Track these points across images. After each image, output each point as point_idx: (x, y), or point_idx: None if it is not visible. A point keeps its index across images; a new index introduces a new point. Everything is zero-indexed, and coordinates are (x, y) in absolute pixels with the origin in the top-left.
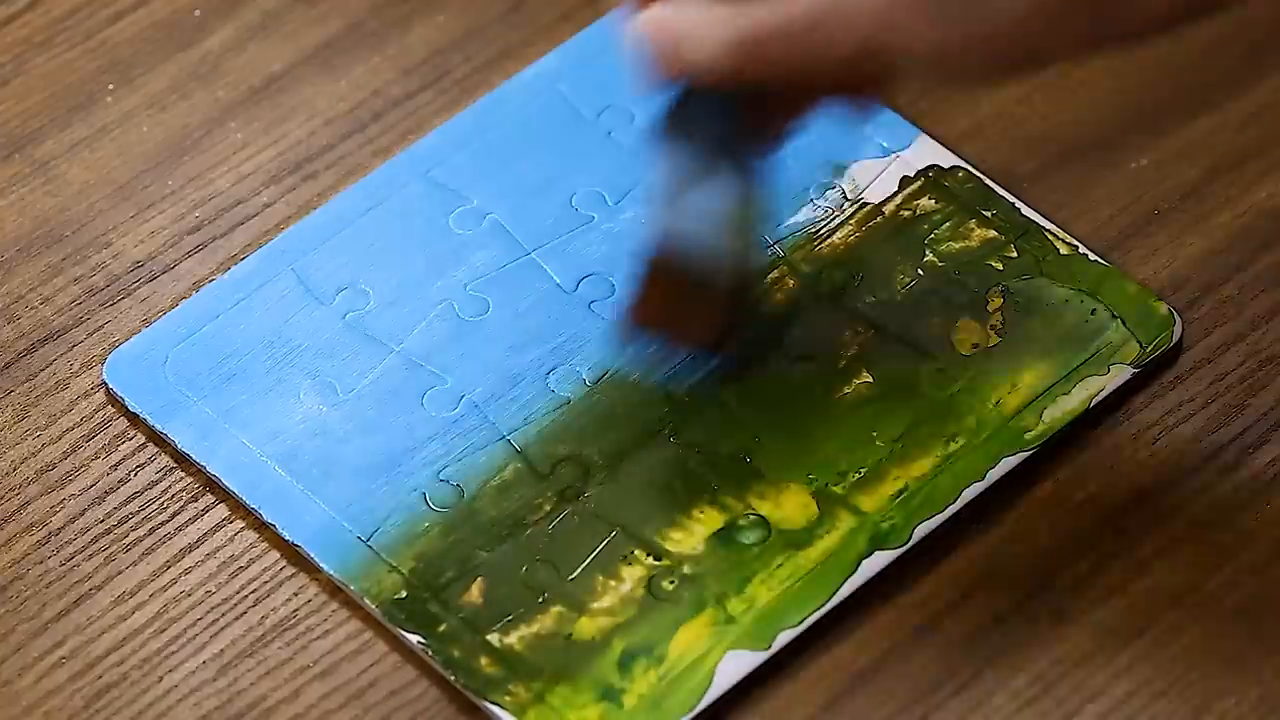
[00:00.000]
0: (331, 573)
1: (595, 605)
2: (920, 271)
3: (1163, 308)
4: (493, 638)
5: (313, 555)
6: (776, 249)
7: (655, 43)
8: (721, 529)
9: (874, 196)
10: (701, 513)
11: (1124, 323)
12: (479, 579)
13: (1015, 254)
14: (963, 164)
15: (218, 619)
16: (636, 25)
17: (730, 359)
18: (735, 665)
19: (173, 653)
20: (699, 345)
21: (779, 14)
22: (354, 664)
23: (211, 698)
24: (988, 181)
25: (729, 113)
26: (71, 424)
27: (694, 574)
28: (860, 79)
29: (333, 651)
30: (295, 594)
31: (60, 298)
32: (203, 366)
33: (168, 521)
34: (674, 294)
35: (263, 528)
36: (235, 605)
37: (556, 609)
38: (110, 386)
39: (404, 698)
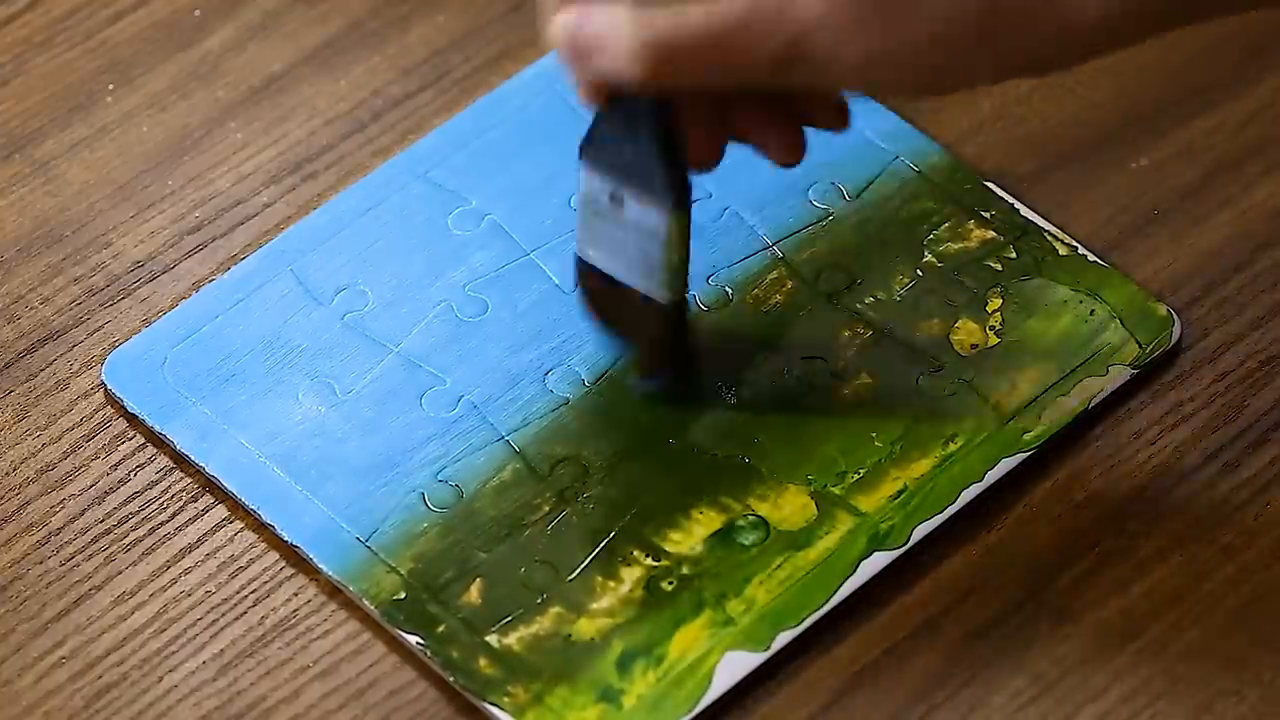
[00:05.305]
0: (330, 573)
1: (594, 606)
2: (920, 272)
3: (1162, 308)
4: (491, 638)
5: (312, 556)
6: (776, 249)
7: (566, 52)
8: (720, 530)
9: (873, 197)
10: (701, 513)
11: (1123, 323)
12: (478, 580)
13: (1014, 254)
14: (962, 164)
15: (218, 619)
16: (548, 34)
17: (670, 381)
18: (734, 666)
19: (173, 653)
20: (646, 359)
21: (699, 14)
22: (354, 664)
23: (211, 698)
24: (987, 181)
25: (651, 136)
26: (71, 424)
27: (693, 575)
28: (784, 90)
29: (333, 651)
30: (295, 594)
31: (60, 298)
32: (202, 367)
33: (168, 521)
34: (612, 308)
35: (262, 528)
36: (235, 605)
37: (555, 610)
38: (109, 387)
39: (403, 698)
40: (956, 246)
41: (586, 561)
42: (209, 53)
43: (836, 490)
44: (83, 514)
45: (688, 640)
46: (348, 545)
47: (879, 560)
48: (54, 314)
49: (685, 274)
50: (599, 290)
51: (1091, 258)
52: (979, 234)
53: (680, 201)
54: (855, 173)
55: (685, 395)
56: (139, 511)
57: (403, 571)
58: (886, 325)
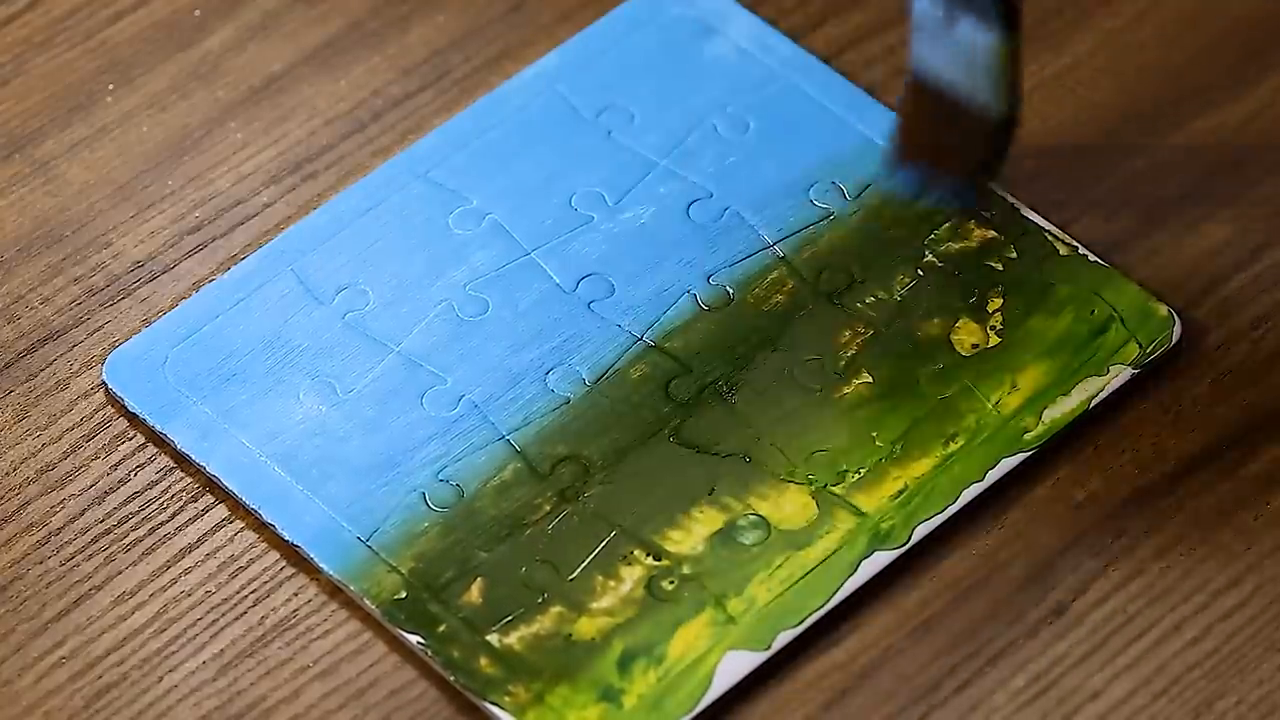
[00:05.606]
0: (331, 573)
1: (595, 605)
2: (920, 271)
3: (1162, 308)
4: (492, 638)
5: (312, 555)
6: (777, 249)
7: None
8: (721, 529)
9: (873, 197)
10: (701, 513)
11: (1124, 323)
12: (479, 579)
13: (1015, 254)
14: None
15: (218, 619)
16: None
17: (977, 194)
18: (735, 665)
19: (173, 653)
20: (961, 175)
21: None
22: (354, 664)
23: (211, 698)
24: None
25: None
26: (71, 424)
27: (694, 574)
28: None
29: (333, 651)
30: (295, 594)
31: (60, 298)
32: (202, 367)
33: (168, 521)
34: (938, 124)
35: (263, 528)
36: (235, 605)
37: (556, 609)
38: (110, 387)
39: (404, 698)
40: (957, 246)
41: (587, 561)
42: (209, 53)
43: (837, 490)
44: (83, 514)
45: (688, 640)
46: (348, 545)
47: (879, 560)
48: (54, 314)
49: (1017, 87)
50: (924, 110)
51: (1092, 258)
52: (979, 234)
53: (1012, 24)
54: (856, 172)
55: (977, 205)
56: (139, 511)
57: (403, 571)
58: (887, 324)
